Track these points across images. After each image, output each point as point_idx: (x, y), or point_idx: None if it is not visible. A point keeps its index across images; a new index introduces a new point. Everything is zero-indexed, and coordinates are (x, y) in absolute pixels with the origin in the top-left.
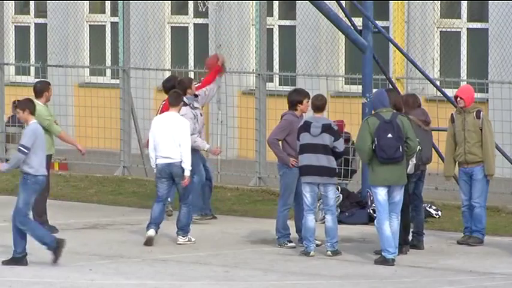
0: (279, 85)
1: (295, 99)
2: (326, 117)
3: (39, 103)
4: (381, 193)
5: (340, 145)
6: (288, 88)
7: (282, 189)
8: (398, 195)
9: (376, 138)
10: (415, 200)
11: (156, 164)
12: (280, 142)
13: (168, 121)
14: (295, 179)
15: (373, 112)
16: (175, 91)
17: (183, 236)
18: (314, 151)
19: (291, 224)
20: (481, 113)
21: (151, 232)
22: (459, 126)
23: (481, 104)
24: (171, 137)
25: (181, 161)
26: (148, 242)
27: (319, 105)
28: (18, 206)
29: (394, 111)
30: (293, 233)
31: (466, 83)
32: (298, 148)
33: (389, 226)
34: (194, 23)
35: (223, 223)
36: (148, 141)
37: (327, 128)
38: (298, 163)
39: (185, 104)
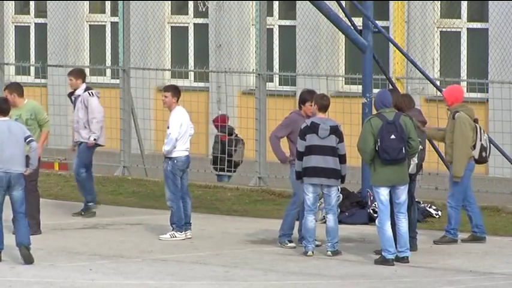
0: (279, 85)
1: (301, 97)
2: (332, 118)
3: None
4: (383, 193)
5: (342, 148)
6: (288, 88)
7: (294, 189)
8: (403, 195)
9: (379, 140)
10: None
11: (177, 158)
12: (281, 140)
13: (186, 115)
14: None
15: (373, 112)
16: (175, 86)
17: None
18: (322, 153)
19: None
20: (457, 113)
21: (189, 234)
22: (447, 125)
23: (480, 104)
24: (188, 130)
25: None
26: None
27: (326, 104)
28: None
29: (397, 111)
30: (294, 233)
31: (466, 83)
32: (302, 148)
33: (398, 226)
34: (194, 23)
35: (223, 223)
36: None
37: (334, 130)
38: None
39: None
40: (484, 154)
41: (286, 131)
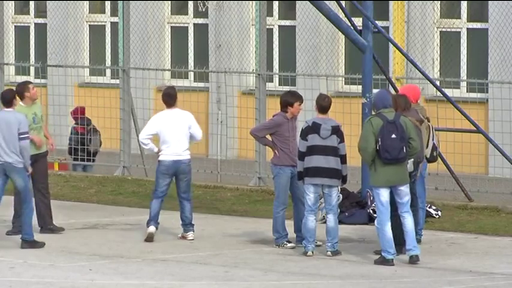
0: (279, 85)
1: (286, 100)
2: (333, 119)
3: (21, 104)
4: (384, 194)
5: (343, 148)
6: (288, 88)
7: (277, 191)
8: (406, 195)
9: (379, 139)
10: (413, 200)
11: (161, 161)
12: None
13: (177, 118)
14: (288, 180)
15: (373, 112)
16: (168, 92)
17: (193, 231)
18: (323, 153)
19: (288, 223)
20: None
21: (151, 229)
22: None
23: (480, 104)
24: (181, 134)
25: (189, 159)
26: (149, 238)
27: (325, 106)
28: None
29: (396, 111)
30: (291, 233)
31: (466, 83)
32: (304, 149)
33: (404, 224)
34: (194, 23)
35: (223, 223)
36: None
37: (336, 130)
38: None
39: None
40: (434, 153)
41: (268, 132)
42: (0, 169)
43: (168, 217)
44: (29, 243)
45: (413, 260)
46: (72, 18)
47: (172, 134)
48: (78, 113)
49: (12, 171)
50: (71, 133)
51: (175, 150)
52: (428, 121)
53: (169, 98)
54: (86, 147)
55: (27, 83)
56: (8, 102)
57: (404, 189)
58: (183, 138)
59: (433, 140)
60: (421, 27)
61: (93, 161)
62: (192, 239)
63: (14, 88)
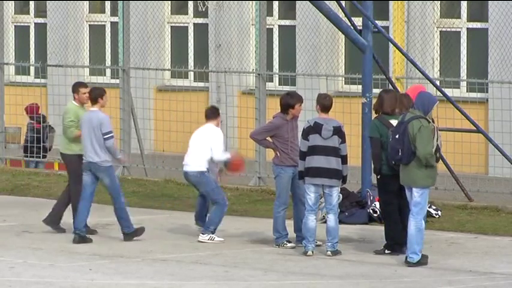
0: (279, 85)
1: (287, 103)
2: (334, 119)
3: (74, 103)
4: (406, 192)
5: (344, 148)
6: (288, 88)
7: (278, 191)
8: (415, 197)
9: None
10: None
11: None
12: (270, 139)
13: (198, 132)
14: (289, 180)
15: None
16: (211, 106)
17: (203, 233)
18: (324, 153)
19: (288, 223)
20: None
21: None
22: None
23: (480, 104)
24: (193, 147)
25: (197, 171)
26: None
27: (327, 105)
28: None
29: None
30: (291, 233)
31: (466, 83)
32: (305, 148)
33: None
34: (194, 23)
35: (224, 223)
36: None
37: (337, 131)
38: (286, 157)
39: None
40: (437, 154)
41: (268, 135)
42: (86, 166)
43: (168, 217)
44: (130, 235)
45: (409, 265)
46: (72, 18)
47: (190, 145)
48: (34, 111)
49: (98, 170)
50: (27, 130)
51: (185, 160)
52: (434, 122)
53: (209, 111)
54: (42, 144)
55: (78, 85)
56: (93, 100)
57: (415, 190)
58: (193, 151)
59: (437, 141)
60: (421, 27)
61: (45, 157)
62: (200, 241)
63: (96, 87)
